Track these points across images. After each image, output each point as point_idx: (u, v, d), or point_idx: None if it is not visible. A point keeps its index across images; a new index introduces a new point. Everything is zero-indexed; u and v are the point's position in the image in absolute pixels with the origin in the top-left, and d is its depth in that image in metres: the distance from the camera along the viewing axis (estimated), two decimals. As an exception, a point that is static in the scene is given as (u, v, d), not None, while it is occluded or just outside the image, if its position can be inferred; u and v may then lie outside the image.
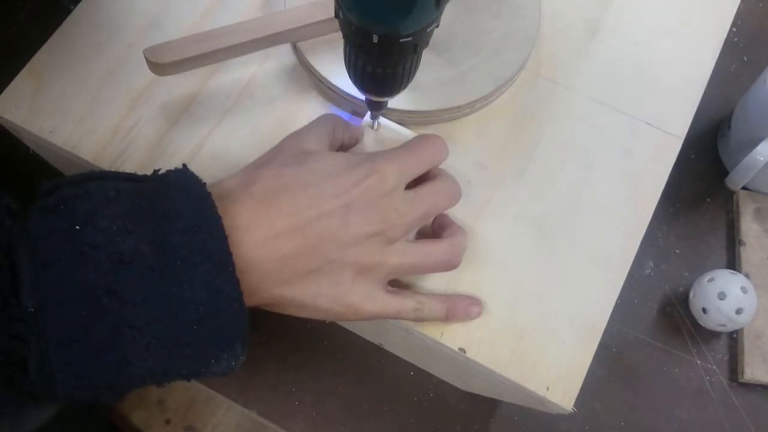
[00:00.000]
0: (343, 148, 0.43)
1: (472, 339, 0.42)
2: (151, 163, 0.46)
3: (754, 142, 0.54)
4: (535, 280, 0.44)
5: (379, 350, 0.53)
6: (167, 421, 0.51)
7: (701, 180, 0.61)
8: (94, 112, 0.48)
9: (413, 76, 0.39)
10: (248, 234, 0.34)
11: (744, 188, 0.59)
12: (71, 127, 0.47)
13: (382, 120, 0.46)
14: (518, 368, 0.42)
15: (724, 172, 0.59)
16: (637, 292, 0.56)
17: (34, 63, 0.49)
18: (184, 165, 0.35)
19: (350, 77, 0.39)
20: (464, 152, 0.47)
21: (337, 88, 0.47)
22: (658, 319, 0.56)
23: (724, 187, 0.59)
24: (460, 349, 0.42)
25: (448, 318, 0.42)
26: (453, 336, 0.42)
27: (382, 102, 0.41)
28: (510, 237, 0.45)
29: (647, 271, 0.57)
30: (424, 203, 0.39)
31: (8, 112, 0.47)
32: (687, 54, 0.51)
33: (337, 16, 0.35)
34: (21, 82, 0.48)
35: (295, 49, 0.49)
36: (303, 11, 0.47)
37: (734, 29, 0.66)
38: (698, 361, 0.55)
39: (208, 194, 0.33)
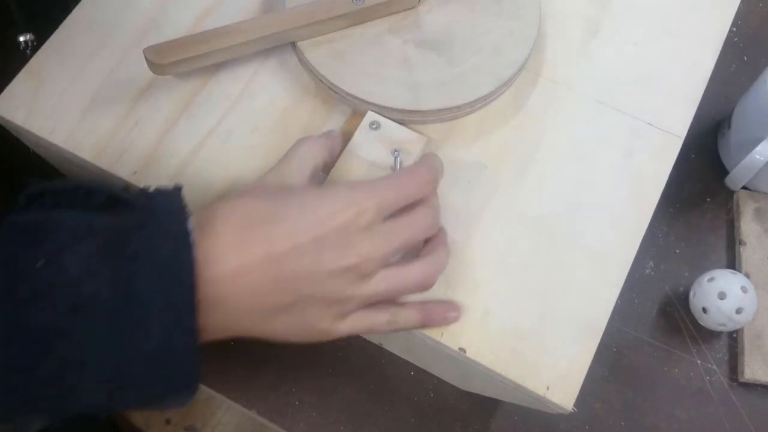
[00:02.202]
0: (327, 166, 0.43)
1: (472, 339, 0.42)
2: (152, 163, 0.46)
3: (754, 142, 0.54)
4: (535, 280, 0.44)
5: (379, 350, 0.53)
6: (167, 421, 0.51)
7: (701, 180, 0.61)
8: (94, 112, 0.48)
9: None
10: (220, 267, 0.34)
11: (744, 188, 0.59)
12: (71, 126, 0.47)
13: (382, 120, 0.46)
14: (518, 368, 0.42)
15: (724, 172, 0.59)
16: (637, 292, 0.56)
17: (33, 63, 0.49)
18: (177, 186, 0.35)
19: None
20: (464, 152, 0.47)
21: (337, 87, 0.47)
22: (658, 319, 0.56)
23: (724, 187, 0.59)
24: (460, 349, 0.42)
25: (424, 324, 0.41)
26: (453, 336, 0.42)
27: None
28: (510, 237, 0.45)
29: (647, 271, 0.57)
30: (401, 236, 0.38)
31: (8, 112, 0.47)
32: (687, 54, 0.51)
33: None
34: (21, 82, 0.48)
35: (295, 48, 0.49)
36: (303, 11, 0.47)
37: (734, 29, 0.66)
38: (698, 361, 0.55)
39: (189, 233, 0.33)
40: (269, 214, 0.35)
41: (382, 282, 0.38)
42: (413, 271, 0.39)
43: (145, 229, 0.32)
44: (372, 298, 0.38)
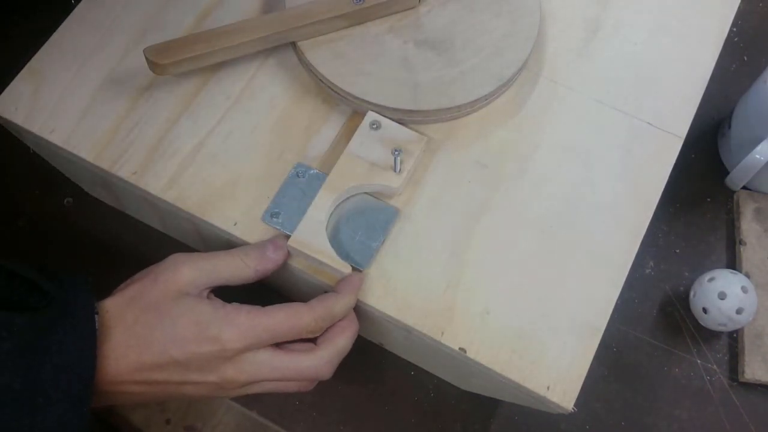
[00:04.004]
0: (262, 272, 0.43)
1: (472, 339, 0.42)
2: (151, 163, 0.46)
3: (754, 142, 0.54)
4: (535, 280, 0.44)
5: (379, 350, 0.53)
6: (167, 421, 0.51)
7: (701, 180, 0.61)
8: (94, 112, 0.48)
9: None
10: (116, 363, 0.38)
11: (744, 188, 0.59)
12: (71, 126, 0.47)
13: (382, 120, 0.46)
14: (518, 368, 0.42)
15: (724, 172, 0.59)
16: (637, 291, 0.56)
17: (34, 63, 0.49)
18: (85, 279, 0.39)
19: None
20: (464, 152, 0.47)
21: (337, 87, 0.47)
22: (659, 319, 0.56)
23: (724, 187, 0.59)
24: (460, 348, 0.42)
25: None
26: (453, 336, 0.42)
27: None
28: (510, 237, 0.45)
29: (647, 271, 0.57)
30: (256, 375, 0.40)
31: (8, 112, 0.47)
32: (687, 54, 0.51)
33: None
34: (21, 82, 0.48)
35: (295, 48, 0.49)
36: (303, 10, 0.47)
37: (734, 29, 0.66)
38: (698, 361, 0.55)
39: (94, 331, 0.37)
40: (149, 328, 0.39)
41: (253, 387, 0.41)
42: (297, 370, 0.41)
43: (57, 330, 0.36)
44: (247, 391, 0.41)
